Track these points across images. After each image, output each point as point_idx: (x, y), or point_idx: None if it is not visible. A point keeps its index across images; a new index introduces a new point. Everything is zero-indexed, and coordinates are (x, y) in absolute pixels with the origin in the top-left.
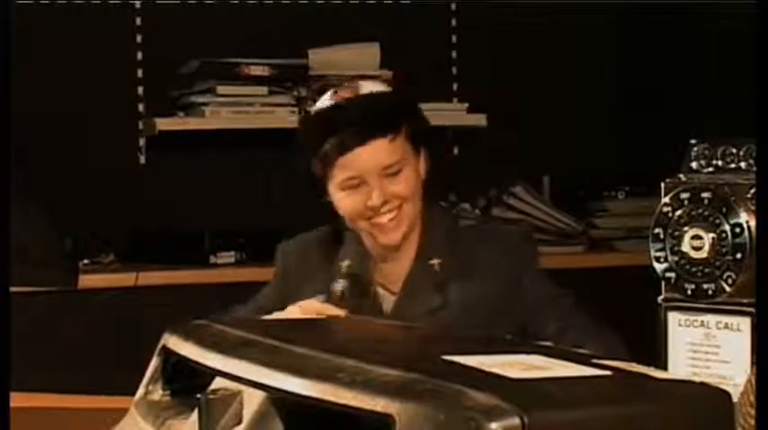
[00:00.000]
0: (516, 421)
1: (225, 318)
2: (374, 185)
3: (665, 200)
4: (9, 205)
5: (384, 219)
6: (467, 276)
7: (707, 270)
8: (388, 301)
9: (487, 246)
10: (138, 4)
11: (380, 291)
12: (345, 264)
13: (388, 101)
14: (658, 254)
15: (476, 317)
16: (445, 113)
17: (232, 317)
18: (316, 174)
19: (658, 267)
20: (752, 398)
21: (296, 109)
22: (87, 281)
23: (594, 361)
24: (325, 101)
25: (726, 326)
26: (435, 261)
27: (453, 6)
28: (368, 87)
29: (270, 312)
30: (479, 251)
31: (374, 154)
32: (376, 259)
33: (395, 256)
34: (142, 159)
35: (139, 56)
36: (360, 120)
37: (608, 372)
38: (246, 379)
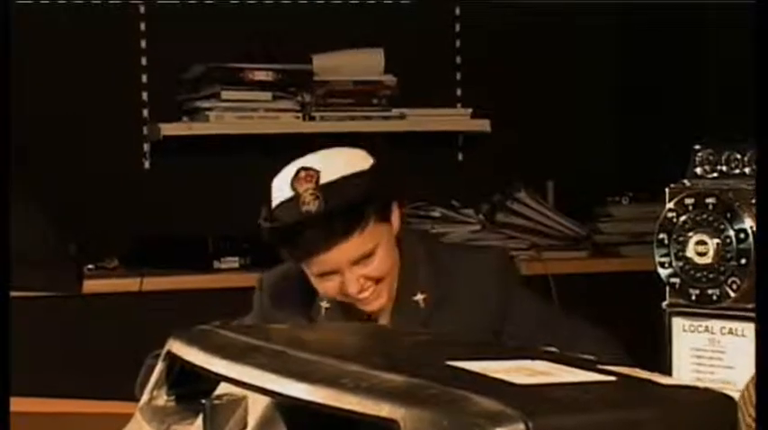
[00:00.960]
0: (521, 427)
1: (229, 323)
2: (348, 276)
3: (670, 205)
4: (9, 206)
5: (362, 296)
6: (452, 309)
7: (711, 275)
8: None
9: (469, 275)
10: (142, 9)
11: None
12: (324, 305)
13: (352, 192)
14: (663, 259)
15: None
16: (449, 119)
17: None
18: (286, 257)
19: (663, 273)
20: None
21: (300, 114)
22: (91, 286)
23: (599, 366)
24: (283, 192)
25: (730, 332)
26: (419, 296)
27: (457, 11)
28: (328, 172)
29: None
30: (461, 280)
31: (343, 252)
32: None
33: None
34: (147, 164)
35: (144, 61)
36: (323, 227)
37: (612, 378)
38: (251, 384)
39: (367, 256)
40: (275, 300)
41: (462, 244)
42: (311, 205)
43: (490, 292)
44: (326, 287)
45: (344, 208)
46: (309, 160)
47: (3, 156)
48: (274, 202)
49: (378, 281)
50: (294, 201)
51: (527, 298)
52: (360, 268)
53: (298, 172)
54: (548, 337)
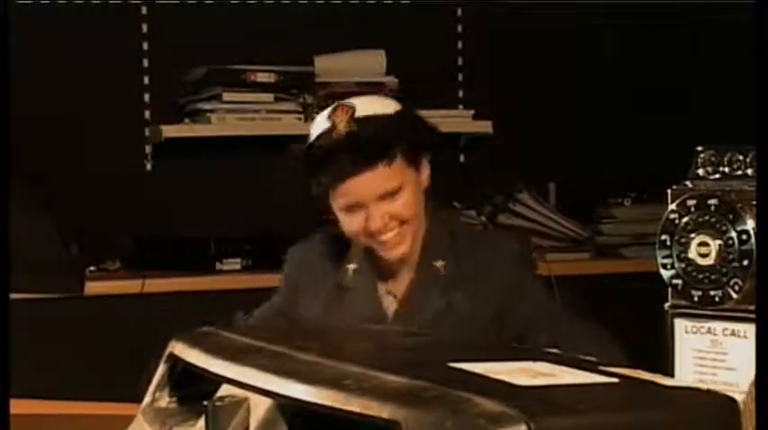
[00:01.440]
0: (523, 428)
1: (231, 324)
2: (373, 210)
3: (672, 206)
4: (10, 207)
5: (386, 237)
6: (470, 280)
7: (714, 277)
8: (392, 304)
9: (489, 252)
10: (144, 11)
11: (385, 293)
12: (352, 267)
13: (383, 126)
14: (665, 260)
15: (478, 321)
16: (451, 120)
17: (238, 324)
18: (317, 195)
19: (665, 274)
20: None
21: (302, 115)
22: (93, 287)
23: (601, 368)
24: (321, 124)
25: (732, 333)
26: (439, 263)
27: (459, 13)
28: (363, 109)
29: (287, 309)
30: (481, 256)
31: (370, 182)
32: (381, 263)
33: (399, 260)
34: (148, 166)
35: (146, 62)
36: (353, 151)
37: (614, 379)
38: (253, 386)
39: (392, 194)
40: (301, 270)
41: (486, 224)
42: (343, 132)
43: (507, 271)
44: (351, 222)
45: (373, 137)
46: (347, 100)
47: (3, 157)
48: (312, 135)
49: (401, 223)
50: (329, 130)
51: (539, 286)
52: (385, 204)
53: (335, 107)
54: (551, 328)
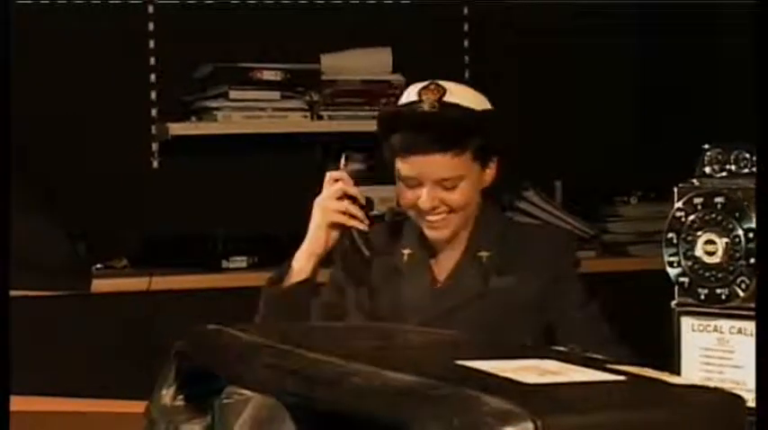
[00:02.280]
0: (530, 426)
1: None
2: (427, 190)
3: (678, 204)
4: (11, 207)
5: (431, 218)
6: (510, 270)
7: (720, 275)
8: (437, 285)
9: (534, 245)
10: (150, 9)
11: (433, 277)
12: (407, 252)
13: (464, 118)
14: (671, 258)
15: (512, 309)
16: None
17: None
18: (386, 156)
19: (671, 272)
20: None
21: (308, 113)
22: (100, 285)
23: (608, 366)
24: (410, 94)
25: (739, 331)
26: (483, 253)
27: (465, 11)
28: (453, 96)
29: (334, 307)
30: (526, 249)
31: (434, 165)
32: (432, 248)
33: (448, 247)
34: (155, 164)
35: (152, 60)
36: (430, 131)
37: (621, 378)
38: (259, 383)
39: (451, 182)
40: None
41: (534, 219)
42: (427, 110)
43: (548, 267)
44: (406, 194)
45: (451, 125)
46: (442, 81)
47: (4, 157)
48: (401, 101)
49: (450, 211)
50: (415, 103)
51: (576, 282)
52: (440, 191)
53: (428, 84)
54: (582, 330)
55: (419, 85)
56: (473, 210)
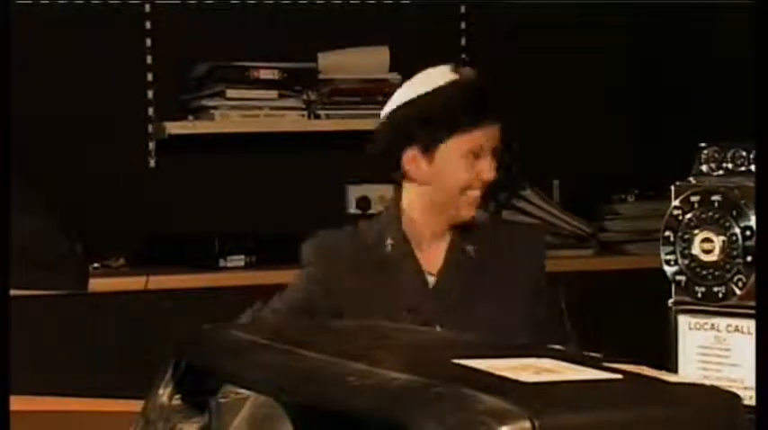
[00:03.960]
0: (527, 424)
1: (236, 322)
2: (489, 161)
3: (676, 203)
4: (11, 206)
5: (478, 193)
6: (498, 266)
7: (717, 273)
8: (431, 278)
9: (522, 242)
10: (147, 8)
11: (424, 268)
12: (390, 242)
13: (493, 90)
14: (669, 257)
15: (503, 304)
16: None
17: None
18: (440, 137)
19: (668, 270)
20: None
21: (305, 112)
22: (97, 284)
23: (605, 364)
24: (442, 76)
25: (736, 329)
26: (470, 247)
27: (462, 9)
28: (471, 73)
29: (306, 309)
30: (513, 245)
31: (495, 134)
32: (416, 242)
33: (435, 240)
34: (152, 163)
35: (149, 59)
36: (490, 101)
37: (618, 376)
38: (257, 383)
39: (498, 149)
40: (329, 257)
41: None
42: (477, 82)
43: (536, 264)
44: (468, 168)
45: (498, 95)
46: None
47: (3, 157)
48: (439, 83)
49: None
50: (458, 81)
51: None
52: (492, 161)
53: (451, 65)
54: (553, 331)
55: (442, 68)
56: None
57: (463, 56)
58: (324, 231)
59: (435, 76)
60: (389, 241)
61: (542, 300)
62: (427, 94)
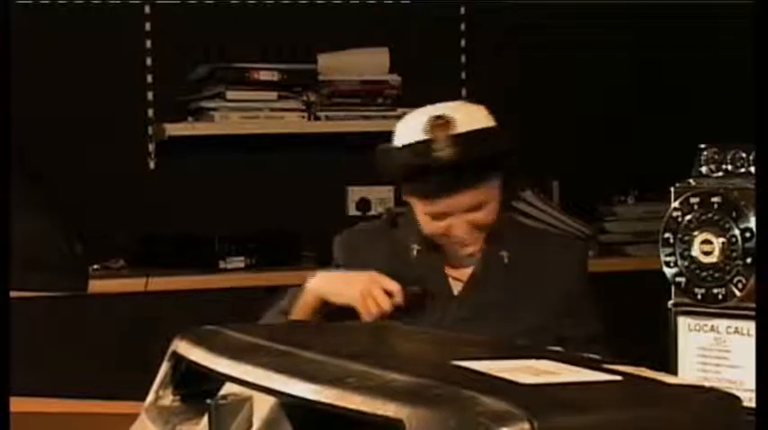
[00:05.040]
0: (526, 426)
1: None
2: (458, 219)
3: (675, 204)
4: (11, 207)
5: (464, 236)
6: (531, 275)
7: (717, 274)
8: (458, 286)
9: (555, 252)
10: (147, 9)
11: (451, 278)
12: (415, 247)
13: (484, 147)
14: (668, 258)
15: (532, 314)
16: None
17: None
18: (405, 197)
19: (668, 272)
20: None
21: (305, 113)
22: (97, 285)
23: (604, 366)
24: (415, 131)
25: (736, 331)
26: (504, 253)
27: (462, 11)
28: (464, 123)
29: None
30: (545, 253)
31: (461, 199)
32: (446, 250)
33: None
34: (152, 164)
35: (149, 61)
36: (452, 173)
37: (618, 377)
38: (256, 384)
39: (479, 205)
40: (351, 252)
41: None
42: (444, 152)
43: (568, 276)
44: (434, 227)
45: (476, 160)
46: (440, 108)
47: (4, 157)
48: (404, 141)
49: (479, 229)
50: (427, 144)
51: (588, 293)
52: (469, 215)
53: (435, 118)
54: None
55: (422, 118)
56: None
57: (462, 57)
58: (352, 229)
59: (415, 128)
60: (415, 246)
61: (572, 313)
62: (396, 158)
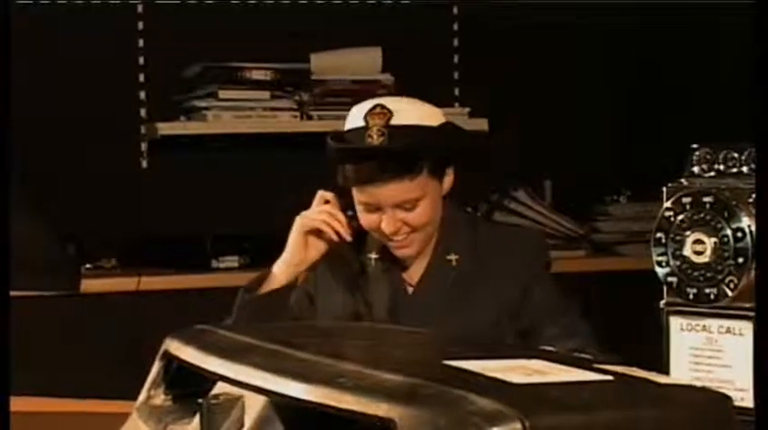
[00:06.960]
0: (518, 426)
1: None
2: (389, 215)
3: (667, 204)
4: (9, 206)
5: (396, 238)
6: (482, 275)
7: (709, 274)
8: (409, 289)
9: (504, 248)
10: (140, 8)
11: (403, 281)
12: (373, 256)
13: (415, 140)
14: (660, 258)
15: (487, 314)
16: (446, 118)
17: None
18: (340, 182)
19: (660, 271)
20: None
21: (298, 113)
22: (89, 285)
23: (596, 366)
24: (355, 118)
25: (728, 331)
26: (452, 256)
27: (455, 10)
28: (401, 116)
29: (299, 316)
30: (496, 252)
31: (391, 192)
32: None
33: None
34: (144, 163)
35: (141, 60)
36: (380, 160)
37: (609, 377)
38: (248, 383)
39: (411, 204)
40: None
41: (503, 222)
42: (375, 139)
43: (520, 271)
44: (367, 219)
45: (403, 151)
46: (388, 100)
47: (3, 157)
48: (346, 127)
49: (413, 230)
50: (362, 130)
51: (550, 282)
52: (400, 212)
53: (374, 107)
54: (552, 326)
55: (365, 108)
56: (437, 220)
57: (455, 57)
58: None
59: (357, 115)
60: (373, 255)
61: (530, 305)
62: (332, 142)
